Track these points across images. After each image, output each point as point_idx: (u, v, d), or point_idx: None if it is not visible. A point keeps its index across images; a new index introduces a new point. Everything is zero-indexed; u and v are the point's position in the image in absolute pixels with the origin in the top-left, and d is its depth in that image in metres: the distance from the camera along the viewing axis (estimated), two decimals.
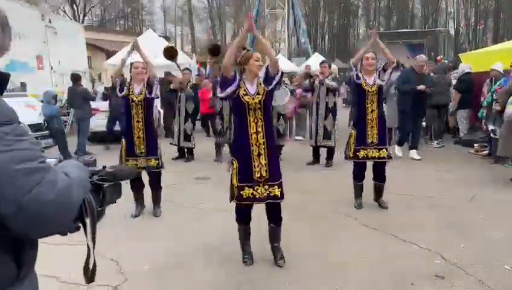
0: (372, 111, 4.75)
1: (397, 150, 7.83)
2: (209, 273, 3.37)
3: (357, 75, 4.80)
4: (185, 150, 8.14)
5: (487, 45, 37.97)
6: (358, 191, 5.01)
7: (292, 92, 8.32)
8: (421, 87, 7.47)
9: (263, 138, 3.32)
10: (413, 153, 7.83)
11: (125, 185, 6.37)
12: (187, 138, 7.99)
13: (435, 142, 9.19)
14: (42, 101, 8.12)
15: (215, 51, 7.24)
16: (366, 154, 4.79)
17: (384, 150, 4.79)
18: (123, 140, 4.78)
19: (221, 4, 52.68)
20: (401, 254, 3.65)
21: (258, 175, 3.32)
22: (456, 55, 18.13)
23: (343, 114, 11.18)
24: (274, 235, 3.56)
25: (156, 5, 54.14)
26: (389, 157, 4.89)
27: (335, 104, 7.47)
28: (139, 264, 3.55)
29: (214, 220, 4.68)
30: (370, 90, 4.73)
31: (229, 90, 3.32)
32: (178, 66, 7.62)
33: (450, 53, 29.39)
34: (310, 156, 7.56)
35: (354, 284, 3.15)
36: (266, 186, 3.35)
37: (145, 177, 4.89)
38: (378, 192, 4.98)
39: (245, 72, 3.40)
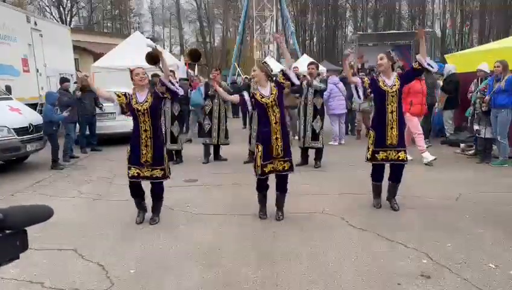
0: (391, 112, 4.73)
1: None
2: (197, 277, 3.35)
3: (374, 78, 4.85)
4: (173, 152, 8.10)
5: (473, 45, 38.48)
6: (376, 191, 5.03)
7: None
8: None
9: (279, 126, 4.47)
10: None
11: (105, 185, 6.29)
12: (174, 140, 7.94)
13: None
14: (42, 104, 7.94)
15: (195, 57, 7.49)
16: (386, 156, 4.77)
17: (403, 152, 4.80)
18: (128, 147, 4.59)
19: (210, 5, 52.61)
20: (388, 254, 3.67)
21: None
22: (443, 55, 18.32)
23: None
24: (280, 202, 4.74)
25: (144, 7, 53.94)
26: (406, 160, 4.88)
27: (323, 105, 7.50)
28: (126, 268, 3.52)
29: (202, 223, 4.66)
30: (389, 91, 4.71)
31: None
32: (161, 70, 7.58)
33: (436, 54, 29.65)
34: (299, 157, 7.57)
35: (340, 284, 3.15)
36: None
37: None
38: (392, 192, 5.00)
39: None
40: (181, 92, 4.82)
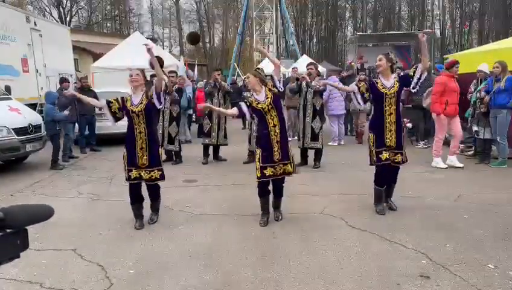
0: (390, 114, 4.69)
1: None
2: (197, 277, 3.35)
3: (372, 81, 4.83)
4: (173, 152, 8.09)
5: (472, 46, 38.51)
6: (379, 196, 4.88)
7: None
8: None
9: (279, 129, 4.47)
10: None
11: (101, 184, 6.28)
12: (171, 140, 7.91)
13: (421, 142, 9.28)
14: (41, 105, 7.93)
15: (194, 39, 7.44)
16: (387, 157, 4.69)
17: (399, 155, 4.77)
18: (124, 150, 4.53)
19: (209, 6, 52.63)
20: (387, 255, 3.67)
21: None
22: (442, 56, 18.37)
23: None
24: (276, 203, 4.76)
25: (143, 7, 53.93)
26: (404, 161, 4.84)
27: (322, 105, 7.50)
28: (126, 268, 3.52)
29: (201, 223, 4.66)
30: (388, 93, 4.66)
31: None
32: (163, 72, 7.56)
33: (436, 54, 29.70)
34: (298, 157, 7.57)
35: (340, 284, 3.15)
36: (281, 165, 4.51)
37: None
38: (388, 193, 4.97)
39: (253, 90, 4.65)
40: (160, 106, 4.67)
